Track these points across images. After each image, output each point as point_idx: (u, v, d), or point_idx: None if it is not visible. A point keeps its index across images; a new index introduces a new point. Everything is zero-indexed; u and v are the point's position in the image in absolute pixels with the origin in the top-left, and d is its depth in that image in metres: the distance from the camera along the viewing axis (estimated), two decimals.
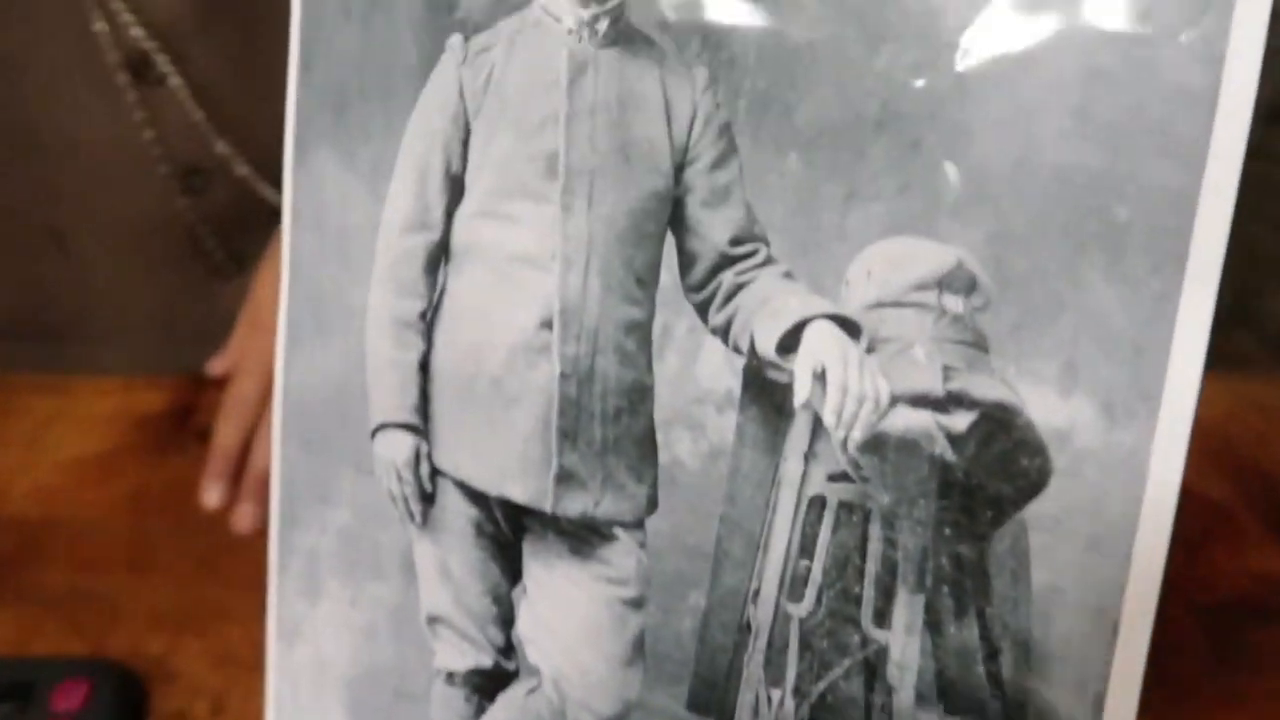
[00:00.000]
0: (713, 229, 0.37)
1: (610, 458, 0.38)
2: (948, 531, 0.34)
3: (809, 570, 0.36)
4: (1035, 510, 0.33)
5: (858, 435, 0.34)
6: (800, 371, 0.35)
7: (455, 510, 0.41)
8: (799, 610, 0.36)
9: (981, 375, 0.33)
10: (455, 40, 0.39)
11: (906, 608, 0.34)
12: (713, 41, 0.35)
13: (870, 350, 0.34)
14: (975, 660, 0.33)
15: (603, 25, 0.37)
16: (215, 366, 0.70)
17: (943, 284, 0.33)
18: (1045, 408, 0.32)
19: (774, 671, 0.36)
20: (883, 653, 0.35)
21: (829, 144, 0.34)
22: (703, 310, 0.37)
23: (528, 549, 0.41)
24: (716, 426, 0.37)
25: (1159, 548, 0.31)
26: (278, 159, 0.73)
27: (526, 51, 0.38)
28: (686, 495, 0.37)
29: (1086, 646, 0.32)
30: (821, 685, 0.35)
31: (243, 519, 0.62)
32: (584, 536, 0.40)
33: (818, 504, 0.36)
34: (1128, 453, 0.31)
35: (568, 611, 0.40)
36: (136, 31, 0.69)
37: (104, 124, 0.72)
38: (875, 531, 0.35)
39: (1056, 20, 0.32)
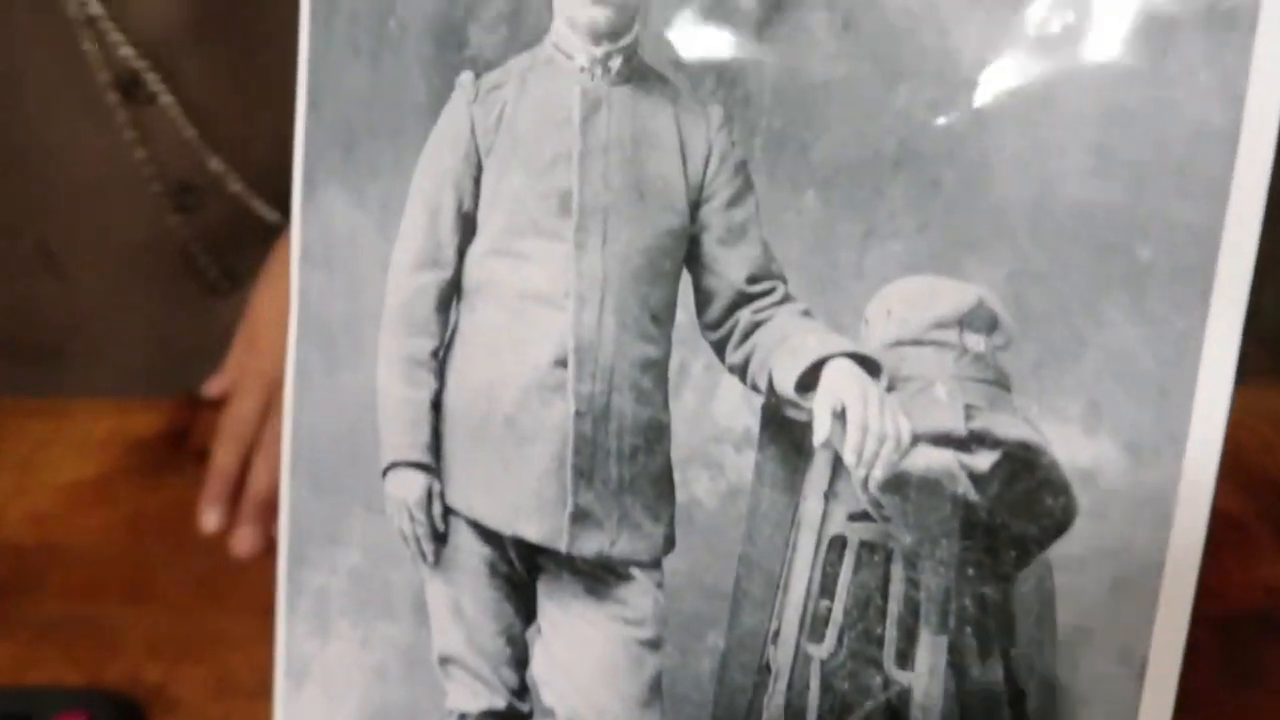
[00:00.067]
0: (729, 267, 0.37)
1: (626, 497, 0.38)
2: (971, 572, 0.33)
3: (830, 611, 0.36)
4: (1060, 550, 0.32)
5: (879, 474, 0.34)
6: (820, 410, 0.35)
7: (468, 549, 0.41)
8: (820, 651, 0.36)
9: (1004, 414, 0.33)
10: (466, 78, 0.39)
11: (930, 649, 0.34)
12: (727, 79, 0.35)
13: (890, 389, 0.34)
14: (1000, 702, 0.33)
15: (616, 63, 0.37)
16: (212, 387, 0.70)
17: (964, 322, 0.33)
18: (1069, 447, 0.32)
19: (794, 714, 0.36)
20: (906, 695, 0.34)
21: (846, 182, 0.34)
22: (720, 348, 0.37)
23: (542, 589, 0.40)
24: (734, 465, 0.36)
25: (1186, 589, 0.31)
26: (271, 175, 0.73)
27: (539, 89, 0.38)
28: (704, 534, 0.37)
29: (1114, 688, 0.32)
30: None
31: (242, 542, 0.61)
32: (600, 576, 0.39)
33: (838, 544, 0.35)
34: (1153, 493, 0.31)
35: (583, 652, 0.39)
36: (126, 51, 0.68)
37: (95, 143, 0.72)
38: (897, 572, 0.34)
39: (1075, 58, 0.31)
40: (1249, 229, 0.30)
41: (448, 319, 0.40)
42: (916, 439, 0.34)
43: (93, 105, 0.70)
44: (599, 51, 0.37)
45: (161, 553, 0.61)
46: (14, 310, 0.77)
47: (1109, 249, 0.31)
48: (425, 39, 0.39)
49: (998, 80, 0.32)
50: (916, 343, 0.34)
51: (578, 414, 0.38)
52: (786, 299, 0.36)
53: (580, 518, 0.38)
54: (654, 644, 0.38)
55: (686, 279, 0.37)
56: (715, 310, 0.37)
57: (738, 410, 0.36)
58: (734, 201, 0.36)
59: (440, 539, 0.41)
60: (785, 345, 0.35)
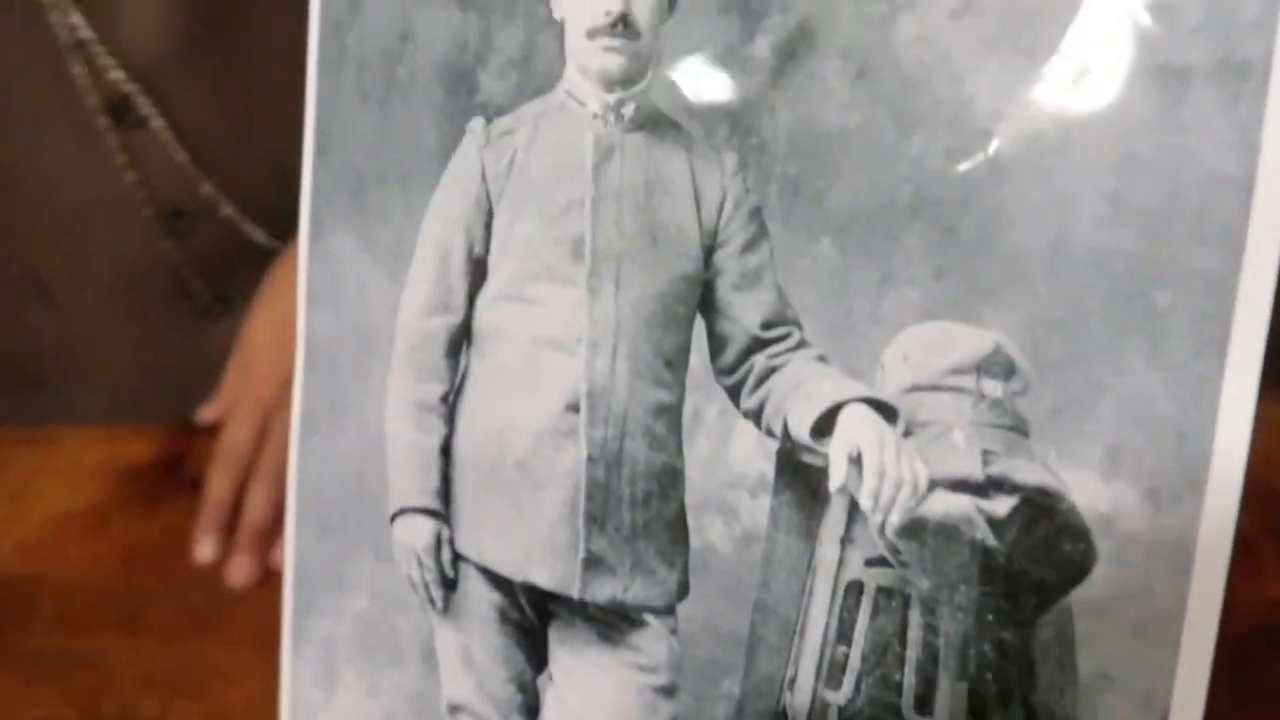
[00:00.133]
0: (744, 312, 0.37)
1: (640, 542, 0.38)
2: (990, 617, 0.33)
3: (847, 657, 0.35)
4: (1080, 596, 0.32)
5: (896, 520, 0.34)
6: (835, 455, 0.35)
7: (478, 596, 0.40)
8: (837, 698, 0.35)
9: (1022, 459, 0.33)
10: (477, 123, 0.39)
11: (949, 695, 0.34)
12: (741, 127, 0.35)
13: (907, 434, 0.34)
14: None
15: (629, 110, 0.37)
16: (206, 414, 0.69)
17: (980, 368, 0.33)
18: (1088, 493, 0.32)
19: None
20: None
21: (862, 229, 0.34)
22: (734, 394, 0.37)
23: (554, 635, 0.40)
24: (749, 511, 0.36)
25: (1208, 634, 0.31)
26: (264, 198, 0.73)
27: (551, 135, 0.38)
28: (719, 580, 0.37)
29: None
30: None
31: (238, 573, 0.60)
32: (613, 623, 0.39)
33: (855, 589, 0.35)
34: (1174, 538, 0.31)
35: (596, 700, 0.39)
36: (116, 74, 0.68)
37: (85, 168, 0.71)
38: (915, 617, 0.34)
39: (1089, 107, 0.32)
40: (1265, 275, 0.30)
41: (458, 364, 0.40)
42: (934, 484, 0.34)
43: (83, 129, 0.70)
44: (612, 98, 0.37)
45: (155, 584, 0.60)
46: (3, 337, 0.77)
47: (1126, 295, 0.31)
48: (435, 85, 0.40)
49: (1012, 128, 0.32)
50: (933, 388, 0.34)
51: (590, 459, 0.38)
52: (802, 344, 0.36)
53: (593, 563, 0.38)
54: (668, 691, 0.38)
55: (700, 324, 0.37)
56: (730, 355, 0.37)
57: (752, 455, 0.36)
58: (748, 247, 0.36)
59: (449, 586, 0.40)
60: (800, 390, 0.35)
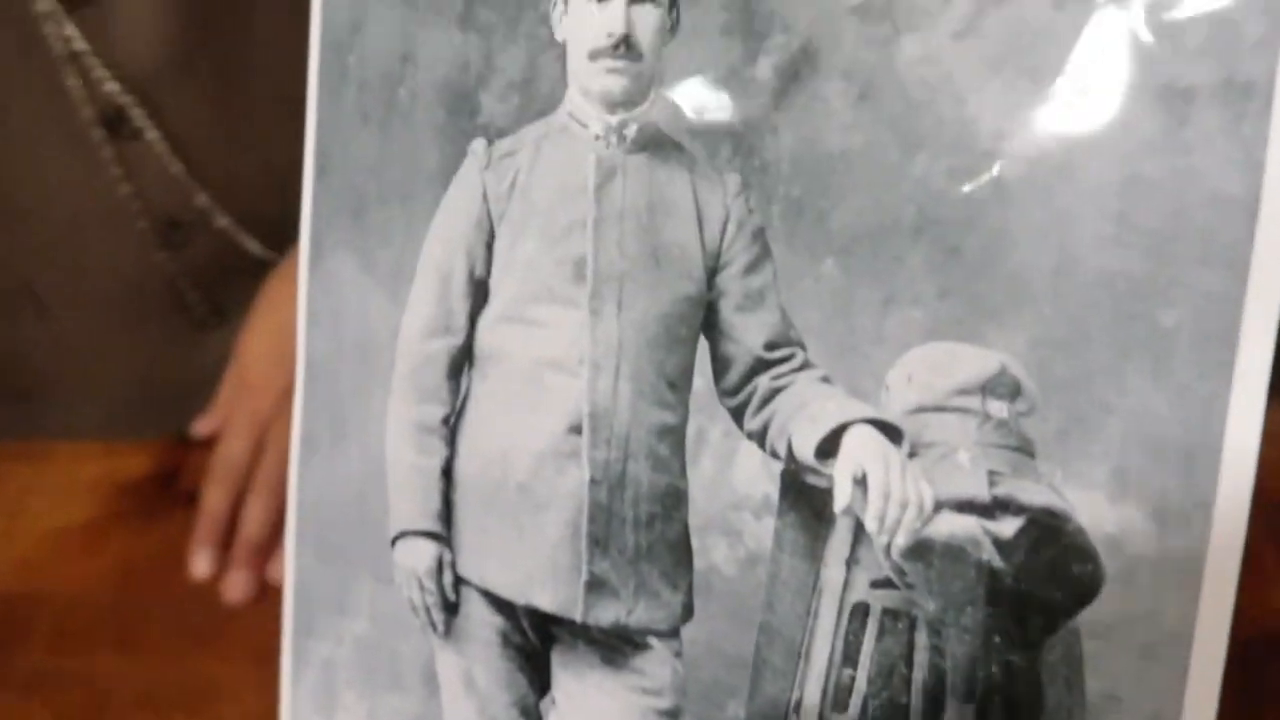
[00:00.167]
0: (747, 333, 0.36)
1: (643, 565, 0.38)
2: (997, 639, 0.33)
3: (853, 679, 0.35)
4: (1088, 617, 0.32)
5: (901, 541, 0.34)
6: (840, 476, 0.34)
7: (480, 619, 0.40)
8: None
9: (1028, 481, 0.33)
10: (478, 144, 0.39)
11: (956, 718, 0.34)
12: (744, 148, 0.35)
13: (912, 455, 0.34)
14: None
15: (631, 131, 0.37)
16: (201, 427, 0.68)
17: (986, 389, 0.33)
18: (1095, 513, 0.32)
19: None
20: None
21: (866, 250, 0.34)
22: (738, 415, 0.37)
23: (557, 659, 0.40)
24: (754, 532, 0.36)
25: (1217, 655, 0.31)
26: (259, 209, 0.73)
27: (553, 156, 0.38)
28: (724, 602, 0.37)
29: None
30: None
31: (234, 588, 0.60)
32: (616, 646, 0.39)
33: (861, 611, 0.35)
34: (1182, 559, 0.31)
35: None
36: (111, 86, 0.68)
37: (79, 180, 0.71)
38: (922, 639, 0.34)
39: (1093, 127, 0.32)
40: (1270, 294, 0.30)
41: (459, 386, 0.40)
42: (939, 505, 0.34)
43: (76, 142, 0.69)
44: (614, 120, 0.37)
45: (152, 600, 0.59)
46: None
47: (1131, 316, 0.31)
48: (436, 107, 0.39)
49: (1016, 149, 0.32)
50: (938, 409, 0.34)
51: (593, 481, 0.38)
52: (805, 365, 0.36)
53: (596, 586, 0.38)
54: (673, 714, 0.38)
55: (703, 345, 0.37)
56: (733, 376, 0.37)
57: (757, 477, 0.36)
58: (751, 268, 0.36)
59: (451, 609, 0.40)
60: (805, 411, 0.35)
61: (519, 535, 0.39)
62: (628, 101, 0.37)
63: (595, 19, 0.37)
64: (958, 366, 0.33)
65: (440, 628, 0.40)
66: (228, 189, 0.72)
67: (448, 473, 0.40)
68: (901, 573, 0.34)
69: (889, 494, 0.34)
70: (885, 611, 0.35)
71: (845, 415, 0.34)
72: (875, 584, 0.35)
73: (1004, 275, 0.33)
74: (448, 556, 0.40)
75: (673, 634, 0.38)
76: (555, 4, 0.38)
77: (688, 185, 0.37)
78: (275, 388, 0.65)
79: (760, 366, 0.36)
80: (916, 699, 0.34)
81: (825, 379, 0.35)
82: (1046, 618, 0.33)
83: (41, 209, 0.72)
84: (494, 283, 0.39)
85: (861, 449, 0.34)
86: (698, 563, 0.37)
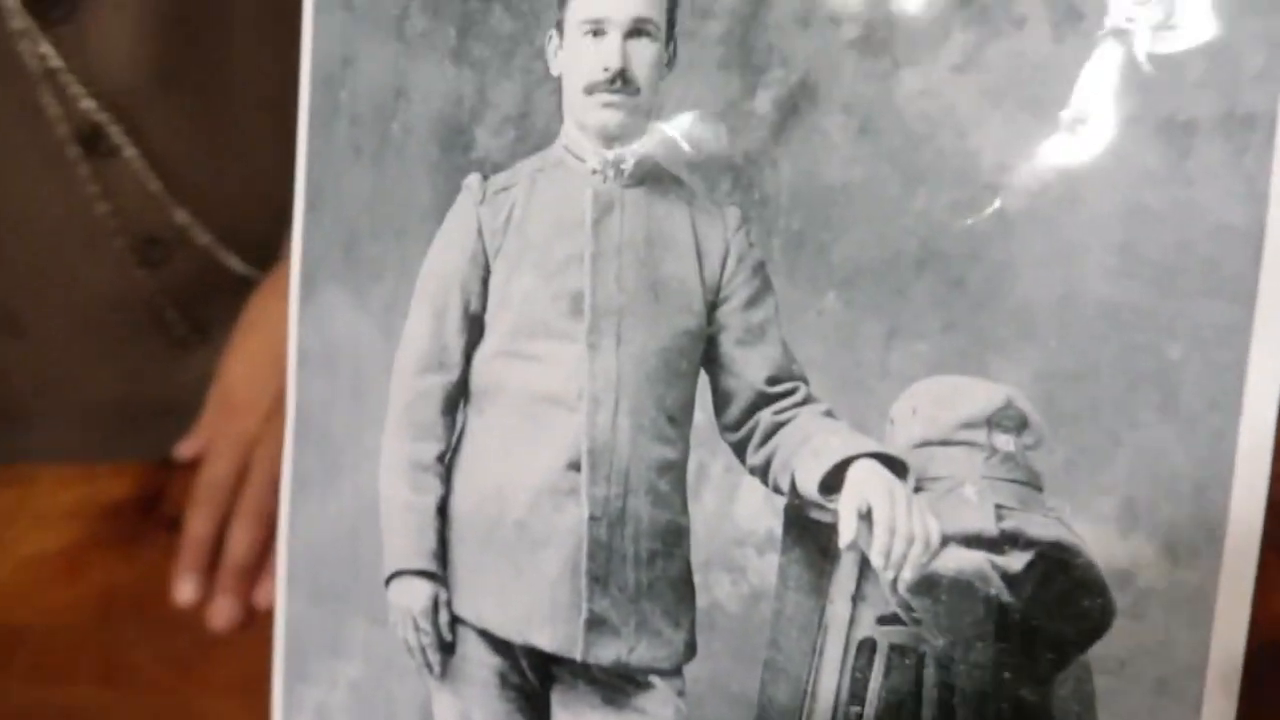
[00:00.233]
0: (748, 367, 0.36)
1: (644, 602, 0.37)
2: (1007, 675, 0.33)
3: (860, 717, 0.35)
4: (1099, 652, 0.32)
5: (908, 576, 0.33)
6: (845, 511, 0.34)
7: (477, 660, 0.39)
8: None
9: (1036, 514, 0.32)
10: (473, 179, 0.39)
11: None
12: (744, 182, 0.35)
13: (918, 489, 0.34)
14: None
15: (628, 165, 0.37)
16: (184, 449, 0.67)
17: (992, 422, 0.33)
18: (1105, 547, 0.32)
19: None
20: None
21: (868, 283, 0.34)
22: (740, 450, 0.36)
23: (556, 699, 0.39)
24: (757, 569, 0.36)
25: (1230, 688, 0.30)
26: (240, 226, 0.72)
27: (549, 190, 0.38)
28: (727, 640, 0.36)
29: None
30: None
31: (221, 614, 0.58)
32: (618, 685, 0.38)
33: (867, 648, 0.35)
34: (1193, 592, 0.31)
35: None
36: (87, 104, 0.67)
37: (55, 199, 0.70)
38: (930, 676, 0.34)
39: (1095, 160, 0.32)
40: (1277, 325, 0.30)
41: (454, 422, 0.39)
42: (946, 540, 0.33)
43: (53, 160, 0.68)
44: (610, 154, 0.37)
45: (134, 629, 0.58)
46: None
47: (1137, 348, 0.31)
48: (430, 141, 0.39)
49: (1019, 182, 0.32)
50: (944, 443, 0.34)
51: (592, 518, 0.37)
52: (808, 399, 0.35)
53: (596, 625, 0.37)
54: None
55: (704, 380, 0.37)
56: (734, 411, 0.37)
57: (760, 512, 0.36)
58: (752, 302, 0.36)
59: (447, 649, 0.39)
60: (808, 446, 0.35)
61: (517, 573, 0.38)
62: (624, 135, 0.37)
63: (591, 53, 0.37)
64: (963, 400, 0.33)
65: (436, 669, 0.39)
66: (208, 205, 0.71)
67: (443, 510, 0.39)
68: (909, 608, 0.34)
69: (895, 528, 0.33)
70: (892, 648, 0.34)
71: (849, 449, 0.34)
72: (882, 620, 0.34)
73: (1008, 308, 0.32)
74: (443, 596, 0.39)
75: (675, 672, 0.37)
76: (550, 38, 0.37)
77: (686, 219, 0.37)
78: (260, 408, 0.64)
79: (762, 401, 0.36)
80: None
81: (828, 413, 0.35)
82: (1057, 653, 0.32)
83: (18, 228, 0.71)
84: (489, 318, 0.39)
85: (866, 483, 0.34)
86: (700, 600, 0.36)
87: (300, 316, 0.42)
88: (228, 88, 0.70)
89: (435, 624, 0.39)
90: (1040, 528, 0.32)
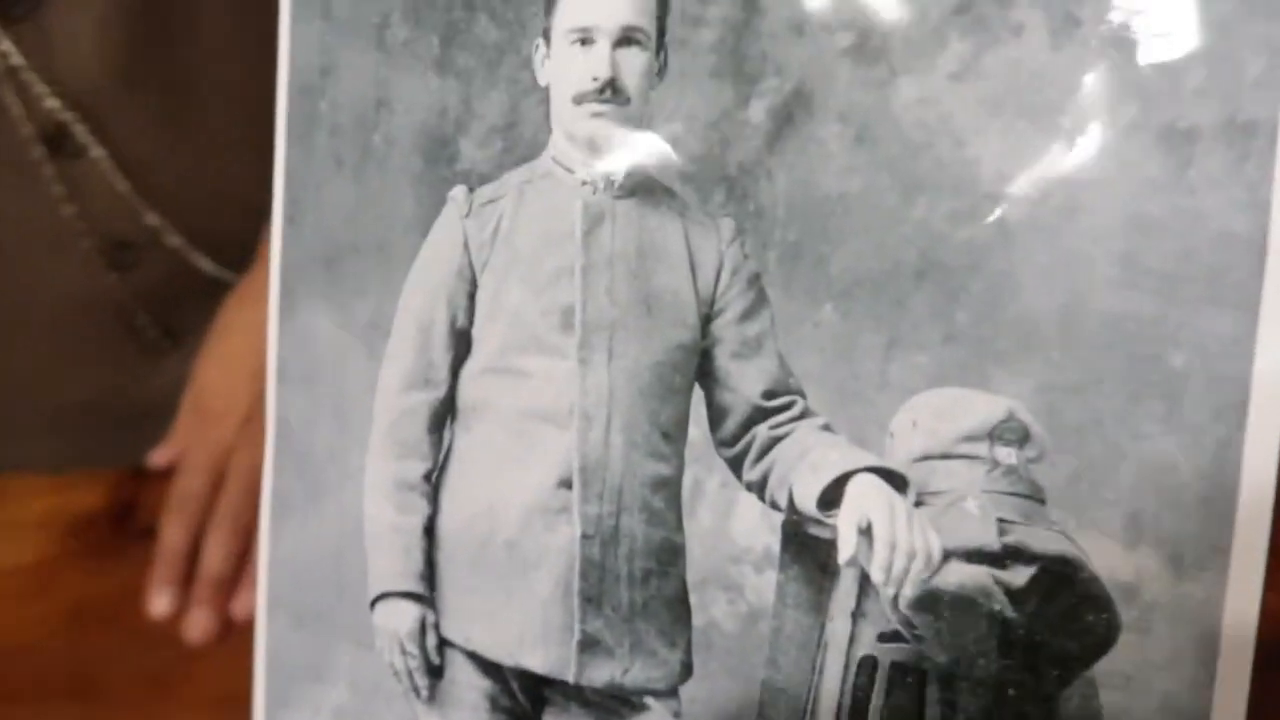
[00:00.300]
0: (744, 381, 0.36)
1: (639, 622, 0.36)
2: (1011, 692, 0.32)
3: None
4: (1105, 667, 0.31)
5: (909, 592, 0.33)
6: (844, 527, 0.34)
7: (466, 683, 0.38)
8: None
9: (1039, 528, 0.32)
10: (459, 191, 0.38)
11: None
12: (738, 193, 0.35)
13: (919, 504, 0.33)
14: None
15: (619, 176, 0.36)
16: (158, 458, 0.65)
17: (994, 435, 0.32)
18: (1110, 561, 0.31)
19: None
20: None
21: (867, 294, 0.33)
22: (736, 465, 0.36)
23: None
24: (755, 586, 0.35)
25: (1239, 703, 0.30)
26: (211, 227, 0.70)
27: (537, 203, 0.37)
28: (724, 660, 0.36)
29: None
30: None
31: (196, 627, 0.57)
32: (612, 707, 0.37)
33: (868, 666, 0.34)
34: (1200, 605, 0.31)
35: None
36: (51, 103, 0.65)
37: (19, 201, 0.68)
38: (933, 694, 0.33)
39: (1096, 169, 0.31)
40: None
41: (440, 440, 0.39)
42: (948, 555, 0.33)
43: (16, 161, 0.66)
44: (600, 165, 0.36)
45: (108, 644, 0.56)
46: None
47: (1141, 358, 0.31)
48: (413, 153, 0.38)
49: (1019, 191, 0.32)
50: (945, 456, 0.33)
51: (584, 537, 0.36)
52: (806, 413, 0.35)
53: (589, 646, 0.37)
54: None
55: (699, 395, 0.36)
56: (730, 426, 0.36)
57: (757, 529, 0.35)
58: (748, 315, 0.35)
59: (435, 673, 0.38)
60: (806, 461, 0.34)
61: (507, 594, 0.37)
62: (615, 146, 0.36)
63: (579, 62, 0.36)
64: (964, 412, 0.33)
65: (424, 693, 0.39)
66: (178, 207, 0.70)
67: (430, 531, 0.38)
68: (910, 625, 0.33)
69: (895, 544, 0.33)
70: (894, 665, 0.34)
71: (848, 464, 0.34)
72: (883, 637, 0.34)
73: (1010, 319, 0.32)
74: (431, 618, 0.38)
75: (671, 694, 0.37)
76: (537, 47, 0.37)
77: (679, 231, 0.36)
78: (236, 415, 0.63)
79: (758, 415, 0.35)
80: None
81: (826, 427, 0.34)
82: (1062, 669, 0.32)
83: None
84: (477, 333, 0.38)
85: (865, 498, 0.33)
86: (696, 619, 0.36)
87: (280, 332, 0.41)
88: (196, 87, 0.68)
89: (423, 647, 0.38)
90: (1043, 542, 0.32)
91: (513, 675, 0.38)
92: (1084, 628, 0.32)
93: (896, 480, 0.33)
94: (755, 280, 0.35)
